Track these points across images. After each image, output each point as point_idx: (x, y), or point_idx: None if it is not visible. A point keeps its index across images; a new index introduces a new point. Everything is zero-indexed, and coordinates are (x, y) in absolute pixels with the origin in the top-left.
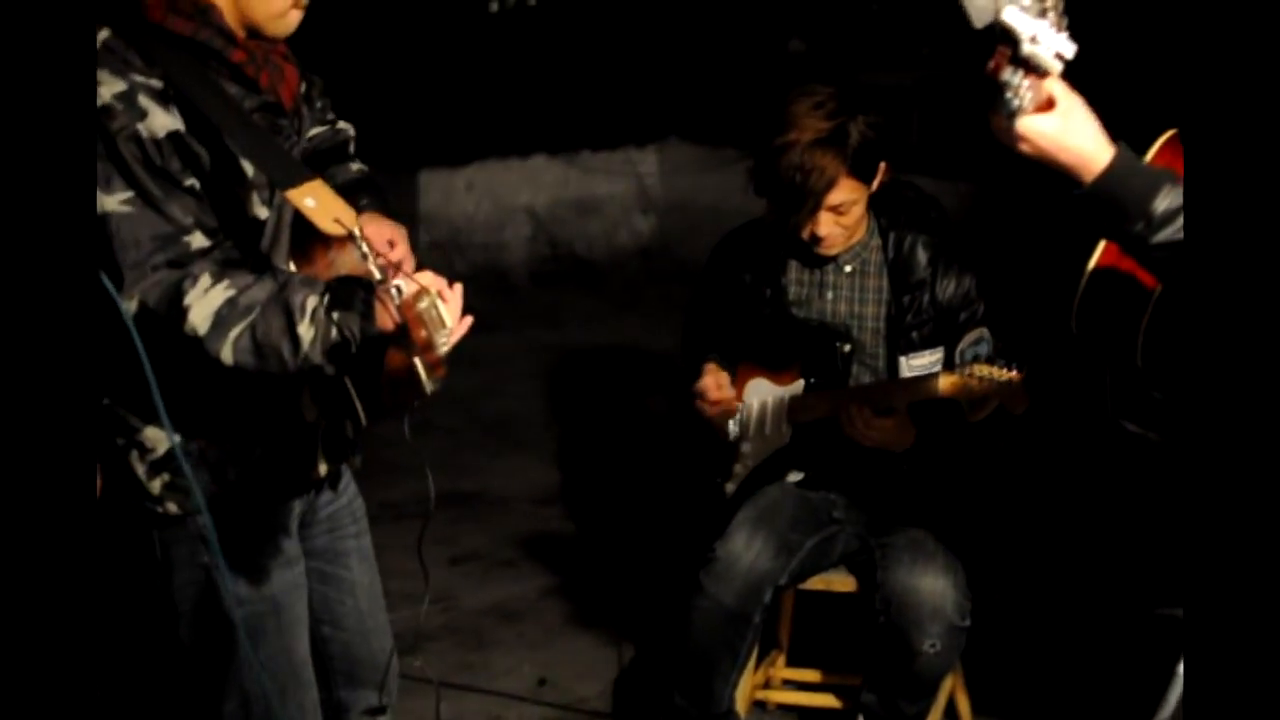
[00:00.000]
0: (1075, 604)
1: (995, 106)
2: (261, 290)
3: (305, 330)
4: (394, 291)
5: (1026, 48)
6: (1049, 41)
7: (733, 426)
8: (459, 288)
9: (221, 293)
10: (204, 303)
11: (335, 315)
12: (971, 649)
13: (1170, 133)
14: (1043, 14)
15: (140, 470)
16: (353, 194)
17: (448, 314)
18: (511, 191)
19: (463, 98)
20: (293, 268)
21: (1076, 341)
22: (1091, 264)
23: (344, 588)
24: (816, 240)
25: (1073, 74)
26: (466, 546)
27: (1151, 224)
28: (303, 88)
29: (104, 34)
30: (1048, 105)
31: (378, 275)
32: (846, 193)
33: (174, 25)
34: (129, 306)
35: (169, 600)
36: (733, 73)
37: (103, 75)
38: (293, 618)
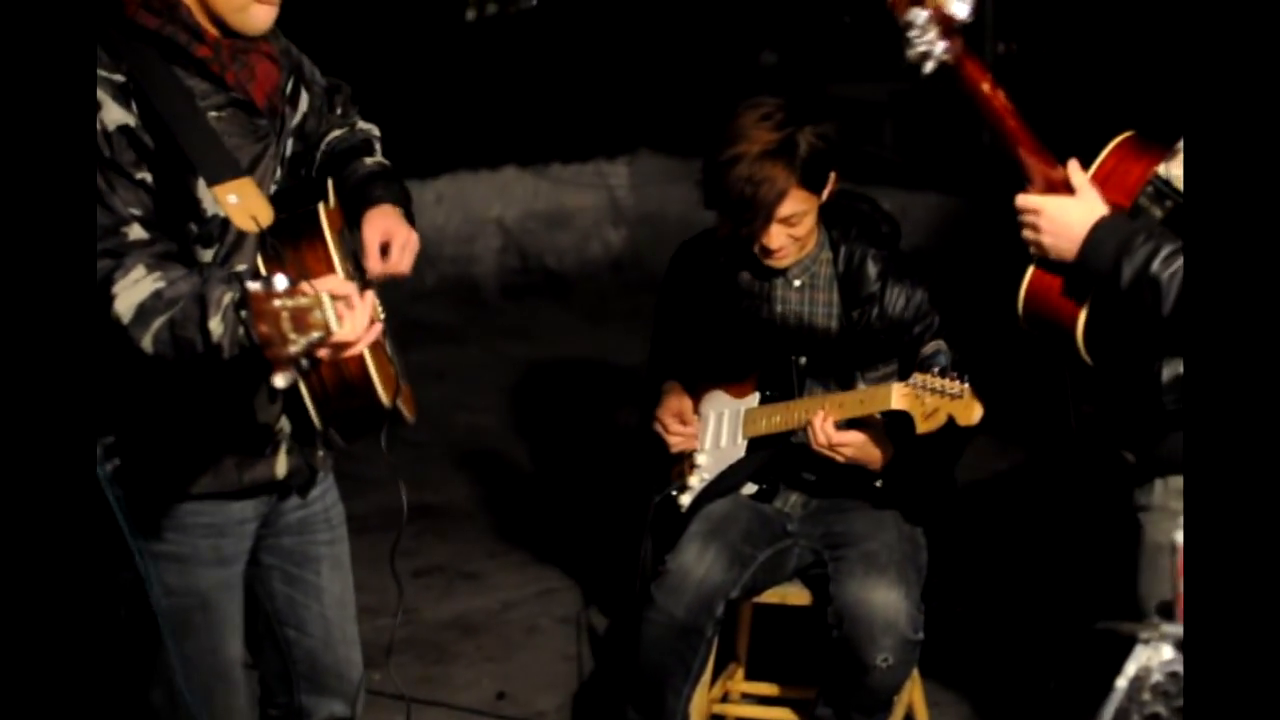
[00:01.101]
0: (1037, 617)
1: (904, 49)
2: (186, 284)
3: (215, 325)
4: (257, 284)
5: None
6: None
7: (702, 458)
8: (370, 295)
9: (150, 284)
10: (131, 293)
11: (243, 313)
12: (932, 663)
13: (1124, 135)
14: None
15: (99, 453)
16: (366, 186)
17: (335, 320)
18: (482, 203)
19: (433, 109)
20: (260, 264)
21: (1027, 338)
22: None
23: (310, 593)
24: (768, 252)
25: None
26: (430, 559)
27: (1121, 281)
28: (288, 87)
29: None
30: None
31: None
32: (797, 204)
33: (143, 20)
34: None
35: (116, 583)
36: (704, 85)
37: None
38: (221, 617)
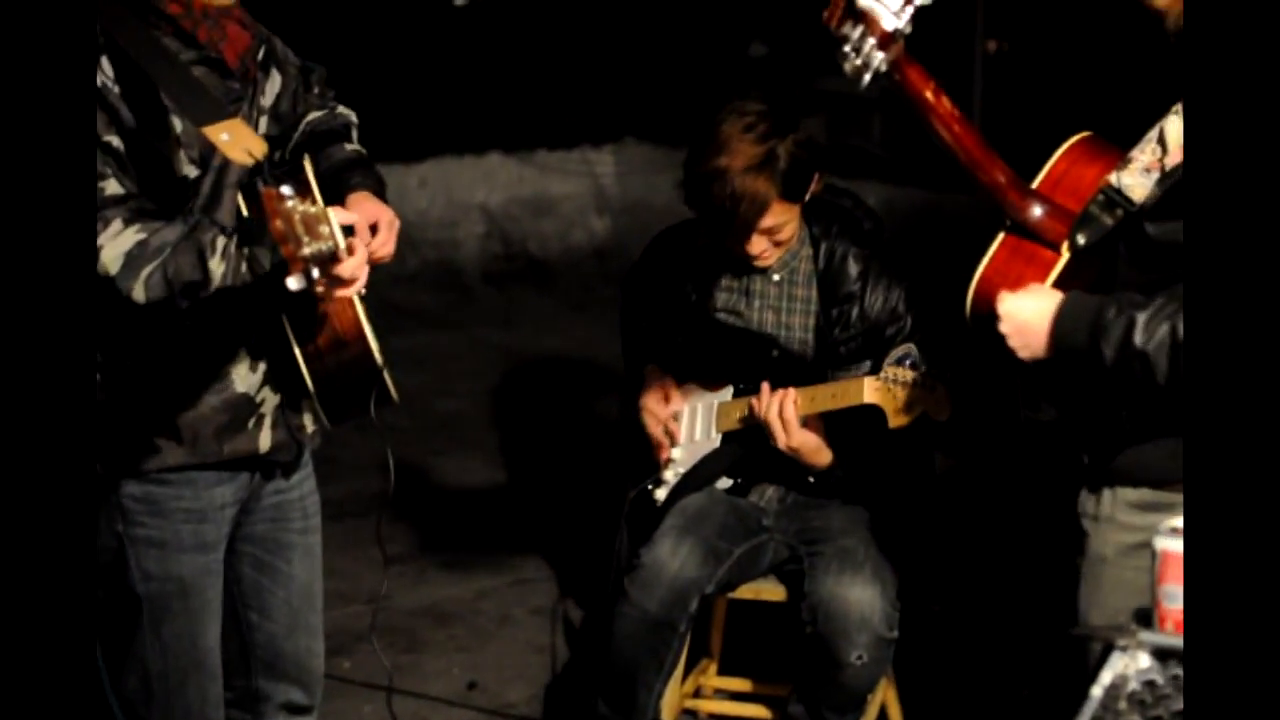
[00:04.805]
0: (1013, 618)
1: (840, 63)
2: (171, 232)
3: (216, 265)
4: (262, 183)
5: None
6: None
7: (677, 452)
8: (383, 233)
9: (132, 235)
10: (115, 244)
11: (245, 250)
12: (908, 662)
13: (1079, 137)
14: None
15: None
16: (343, 172)
17: (343, 238)
18: (466, 189)
19: (418, 93)
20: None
21: (973, 335)
22: (988, 256)
23: (279, 580)
24: (751, 258)
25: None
26: (404, 546)
27: (1105, 363)
28: (260, 53)
29: None
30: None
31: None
32: (778, 215)
33: None
34: None
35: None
36: (692, 74)
37: None
38: (201, 603)
